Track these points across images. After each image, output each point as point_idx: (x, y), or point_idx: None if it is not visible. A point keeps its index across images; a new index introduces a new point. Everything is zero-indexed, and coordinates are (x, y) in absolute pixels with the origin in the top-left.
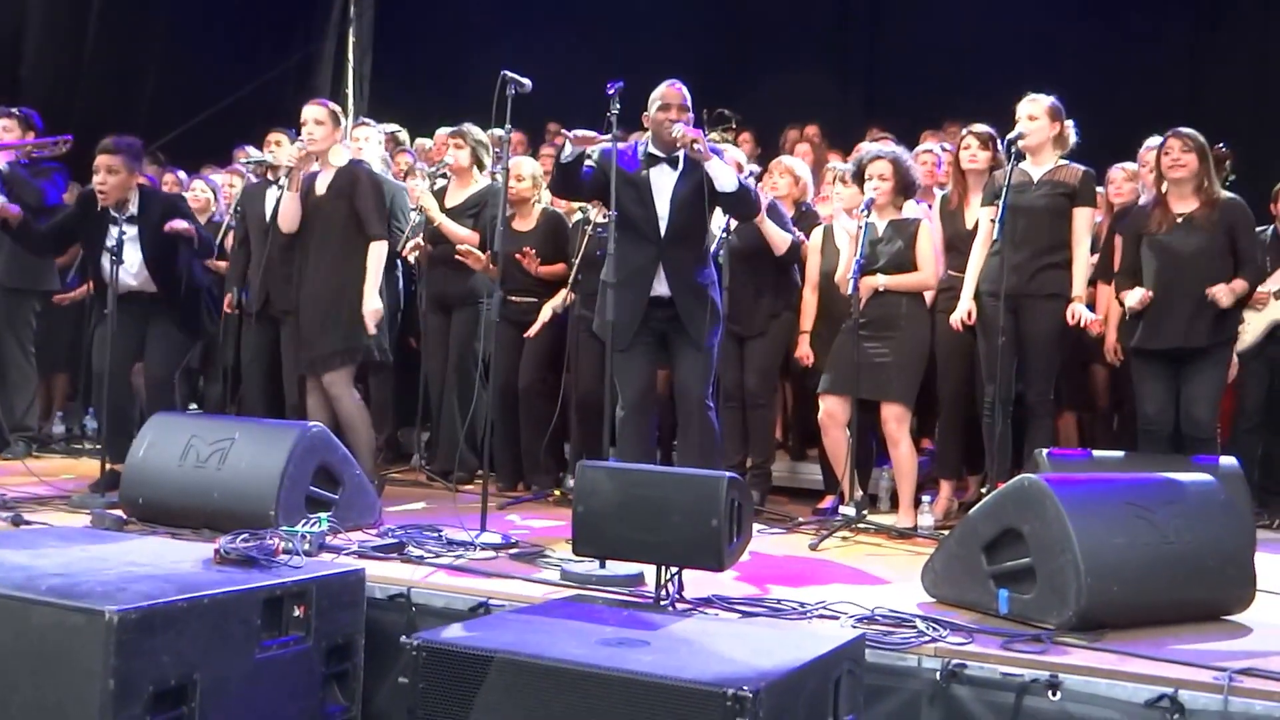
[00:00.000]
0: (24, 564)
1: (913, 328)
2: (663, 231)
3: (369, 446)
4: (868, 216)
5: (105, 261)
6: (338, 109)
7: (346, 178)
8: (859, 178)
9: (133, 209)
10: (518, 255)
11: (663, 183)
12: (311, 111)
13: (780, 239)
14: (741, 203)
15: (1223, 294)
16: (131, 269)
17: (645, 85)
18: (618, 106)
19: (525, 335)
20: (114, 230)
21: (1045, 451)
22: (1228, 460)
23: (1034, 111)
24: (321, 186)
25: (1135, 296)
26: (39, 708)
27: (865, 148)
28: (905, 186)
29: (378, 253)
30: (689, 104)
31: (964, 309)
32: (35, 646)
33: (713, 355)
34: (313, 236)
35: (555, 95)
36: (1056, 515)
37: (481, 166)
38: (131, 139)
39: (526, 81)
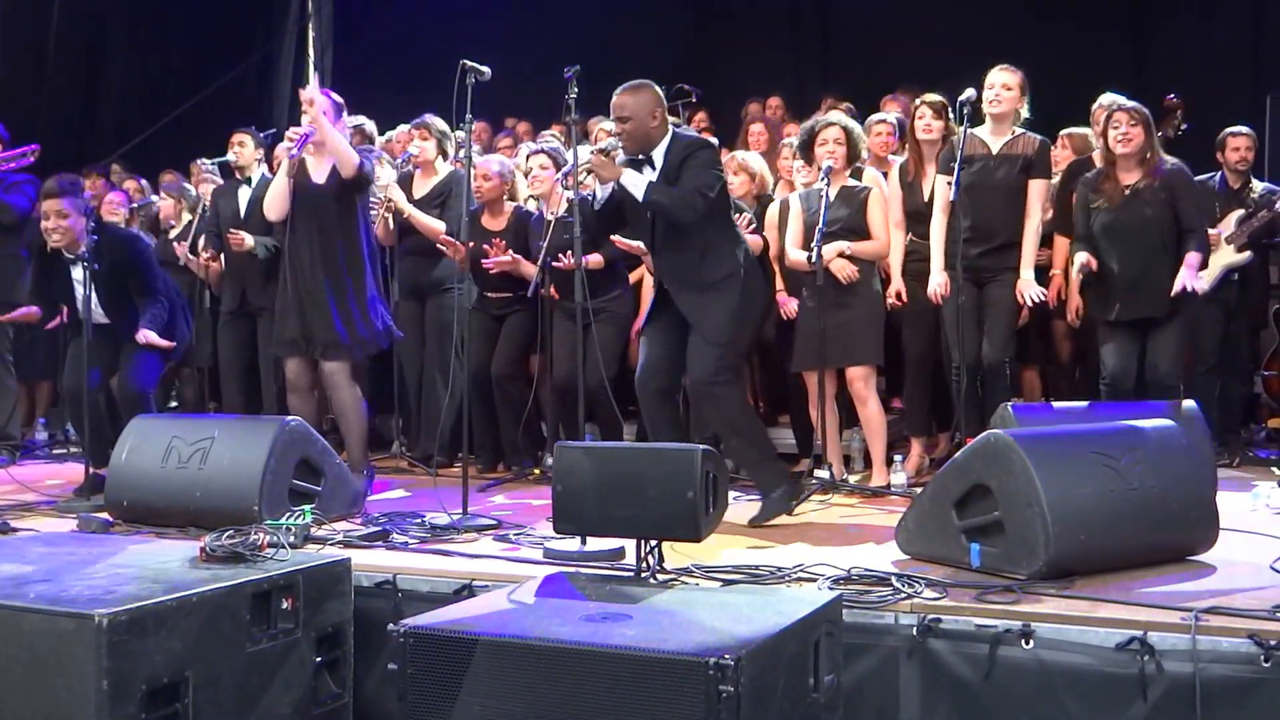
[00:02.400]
0: (12, 572)
1: (864, 288)
2: (653, 236)
3: (361, 436)
4: (827, 185)
5: (78, 275)
6: (339, 99)
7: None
8: (808, 146)
9: (84, 249)
10: (486, 246)
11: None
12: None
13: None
14: (663, 213)
15: (1189, 280)
16: (96, 306)
17: (604, 68)
18: (575, 91)
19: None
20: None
21: (1010, 406)
22: (1187, 403)
23: (1010, 81)
24: (320, 175)
25: (1079, 262)
26: (33, 713)
27: (818, 118)
28: (855, 155)
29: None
30: (624, 114)
31: (937, 281)
32: (27, 653)
33: (721, 346)
34: (309, 223)
35: (517, 83)
36: (1023, 468)
37: (445, 156)
38: (71, 177)
39: (486, 69)
